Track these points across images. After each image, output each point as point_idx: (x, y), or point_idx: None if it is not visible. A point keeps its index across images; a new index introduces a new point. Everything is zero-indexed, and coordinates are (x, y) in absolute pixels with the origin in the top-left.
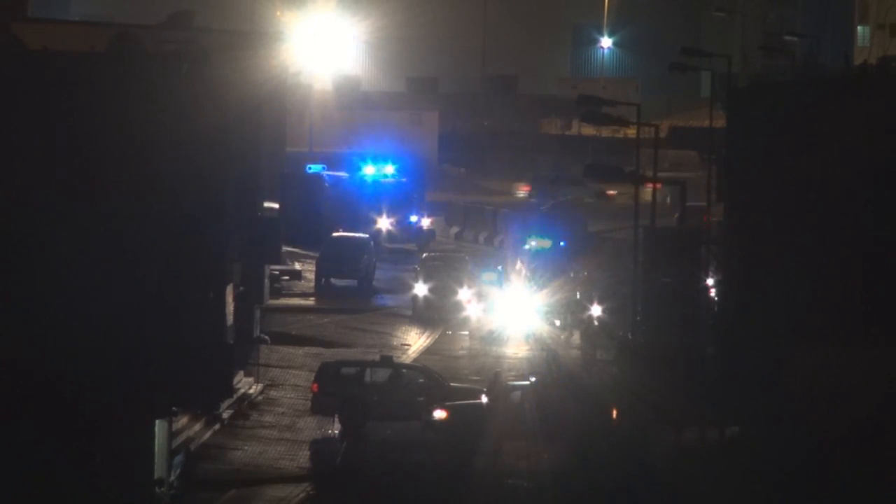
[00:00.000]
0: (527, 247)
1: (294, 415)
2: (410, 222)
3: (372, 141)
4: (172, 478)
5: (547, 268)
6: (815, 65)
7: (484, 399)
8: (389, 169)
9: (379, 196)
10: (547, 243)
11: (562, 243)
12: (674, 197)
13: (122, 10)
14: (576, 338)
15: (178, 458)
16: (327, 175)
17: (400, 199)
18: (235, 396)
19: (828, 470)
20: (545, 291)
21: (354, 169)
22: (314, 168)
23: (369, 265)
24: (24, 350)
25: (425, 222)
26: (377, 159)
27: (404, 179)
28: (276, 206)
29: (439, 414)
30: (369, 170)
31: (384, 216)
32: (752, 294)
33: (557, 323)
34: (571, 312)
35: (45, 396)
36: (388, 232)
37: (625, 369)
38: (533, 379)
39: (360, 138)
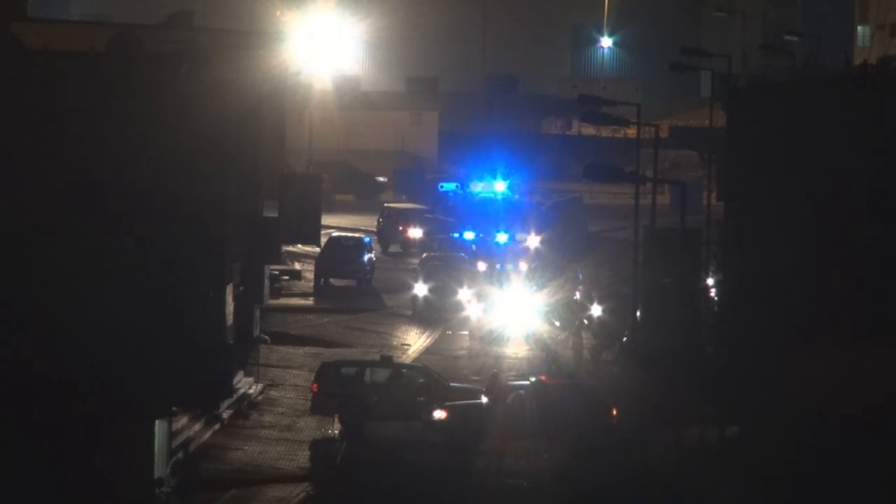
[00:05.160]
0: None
1: (294, 415)
2: (516, 241)
3: (498, 153)
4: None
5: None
6: (815, 65)
7: (484, 399)
8: (500, 185)
9: (484, 214)
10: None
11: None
12: (674, 197)
13: (122, 10)
14: (581, 338)
15: (173, 459)
16: (451, 193)
17: (507, 217)
18: (235, 396)
19: (827, 469)
20: (545, 291)
21: (483, 183)
22: (447, 186)
23: (368, 265)
24: (24, 350)
25: (532, 241)
26: (505, 174)
27: (517, 196)
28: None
29: (439, 414)
30: (499, 185)
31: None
32: (752, 294)
33: (557, 324)
34: (572, 312)
35: (46, 396)
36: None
37: (625, 369)
38: (533, 379)
39: (484, 150)
